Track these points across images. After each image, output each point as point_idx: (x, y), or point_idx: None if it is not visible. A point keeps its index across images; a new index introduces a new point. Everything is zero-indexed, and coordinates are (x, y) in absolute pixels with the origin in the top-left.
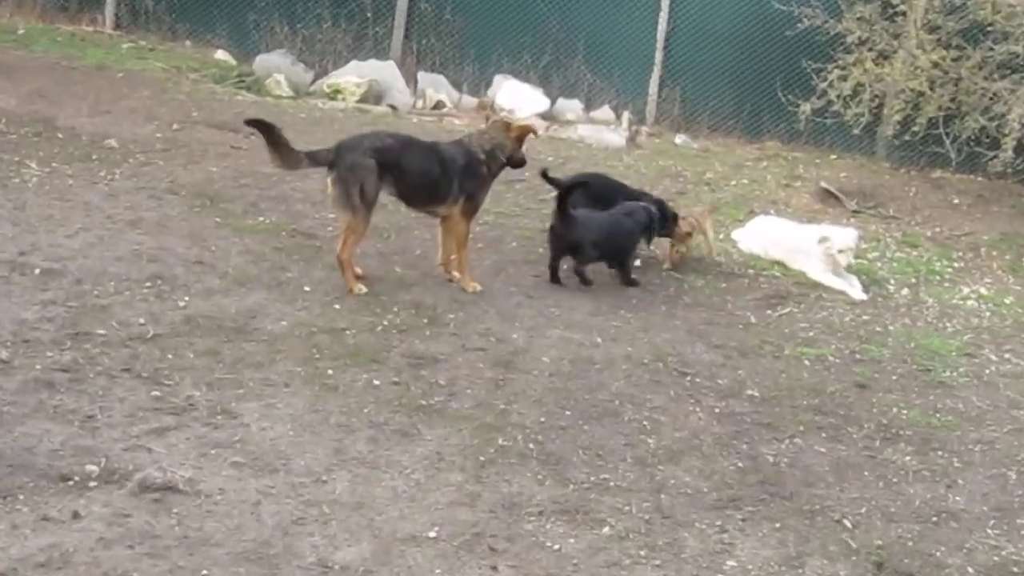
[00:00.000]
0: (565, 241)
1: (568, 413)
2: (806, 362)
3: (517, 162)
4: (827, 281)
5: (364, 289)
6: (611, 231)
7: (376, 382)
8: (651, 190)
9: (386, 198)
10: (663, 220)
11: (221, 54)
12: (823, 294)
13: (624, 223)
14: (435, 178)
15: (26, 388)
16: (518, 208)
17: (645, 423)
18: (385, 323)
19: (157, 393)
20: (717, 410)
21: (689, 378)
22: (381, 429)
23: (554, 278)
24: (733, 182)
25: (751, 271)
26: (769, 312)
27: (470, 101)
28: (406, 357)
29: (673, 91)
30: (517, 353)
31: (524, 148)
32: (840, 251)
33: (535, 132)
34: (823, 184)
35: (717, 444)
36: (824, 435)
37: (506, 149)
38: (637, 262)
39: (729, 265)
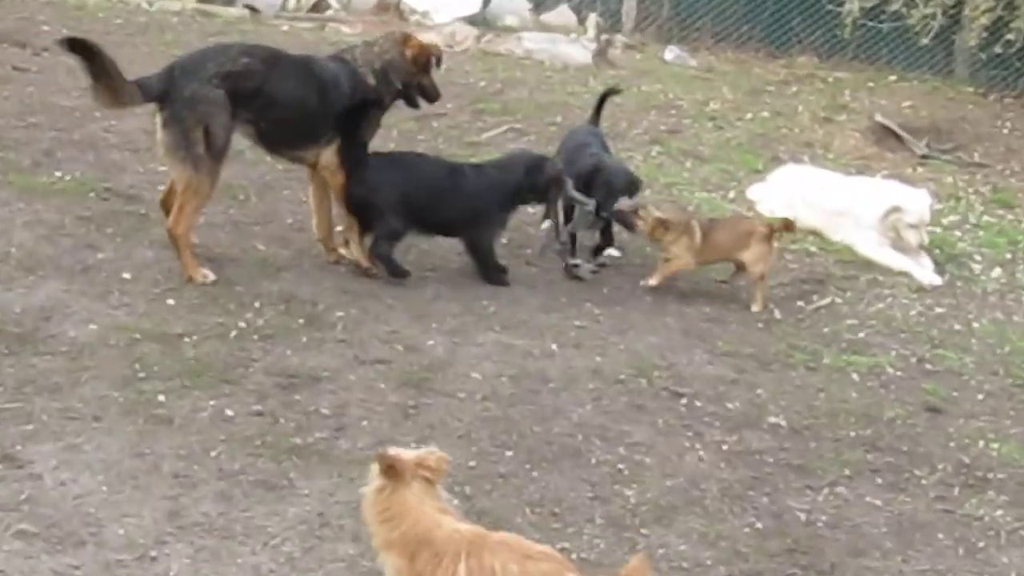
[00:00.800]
0: (354, 203)
1: (509, 454)
2: (854, 375)
3: (425, 94)
4: (885, 258)
5: (211, 276)
6: (436, 192)
7: (229, 412)
8: (628, 129)
9: (241, 142)
10: (608, 187)
11: None
12: (879, 277)
13: (470, 180)
14: (311, 111)
15: None
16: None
17: (622, 467)
18: (242, 325)
19: None
20: (726, 447)
21: (685, 401)
22: (236, 481)
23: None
24: (748, 115)
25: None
26: (801, 304)
27: (365, 0)
28: (273, 375)
29: None
30: (435, 367)
31: (439, 70)
32: (912, 226)
33: (437, 57)
34: (879, 118)
35: (726, 496)
36: (880, 481)
37: (401, 71)
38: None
39: None
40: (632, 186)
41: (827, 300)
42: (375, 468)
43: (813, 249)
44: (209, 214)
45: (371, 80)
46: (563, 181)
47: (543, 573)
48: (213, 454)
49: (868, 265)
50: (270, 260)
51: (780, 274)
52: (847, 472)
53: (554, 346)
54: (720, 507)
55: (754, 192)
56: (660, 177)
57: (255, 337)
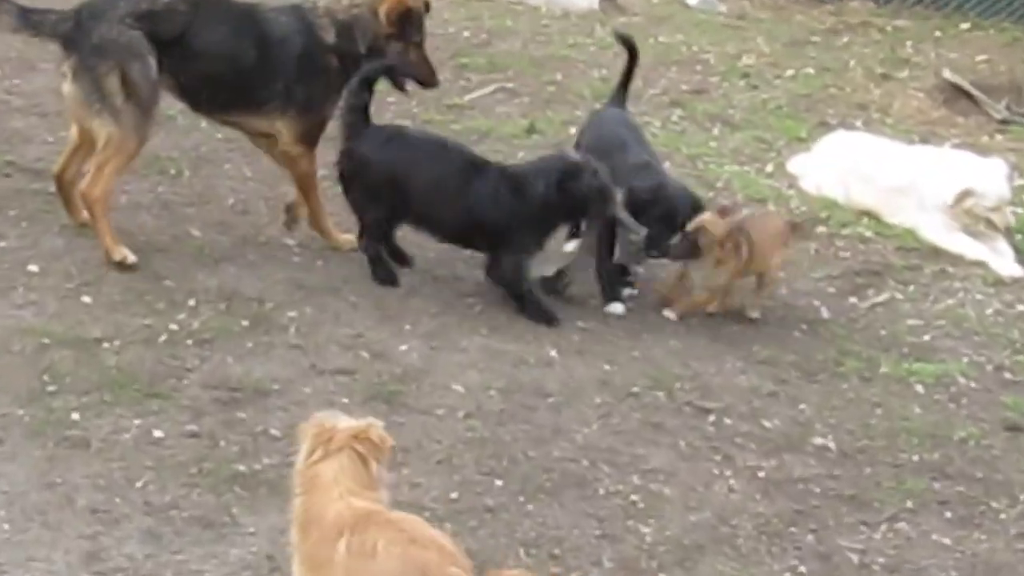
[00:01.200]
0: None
1: (499, 483)
2: (918, 387)
3: (413, 71)
4: (955, 245)
5: (132, 257)
6: (437, 187)
7: (157, 433)
8: (643, 88)
9: (174, 104)
10: (670, 216)
11: None
12: (948, 267)
13: (487, 181)
14: (247, 66)
15: None
16: (410, 123)
17: (635, 499)
18: (174, 328)
19: None
20: (762, 474)
21: (713, 418)
22: (167, 517)
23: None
24: (789, 72)
25: (823, 229)
26: (854, 300)
27: None
28: (211, 388)
29: None
30: (408, 378)
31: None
32: (993, 209)
33: (416, 14)
34: (947, 74)
35: (763, 533)
36: (949, 515)
37: (368, 31)
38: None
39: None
40: (696, 211)
41: (885, 296)
42: (301, 433)
43: (868, 234)
44: (133, 192)
45: (330, 37)
46: (608, 194)
47: (424, 561)
48: (138, 484)
49: (934, 253)
50: (207, 248)
51: (828, 265)
52: (909, 504)
53: (553, 352)
54: (756, 547)
55: (796, 165)
56: (682, 147)
57: (189, 342)
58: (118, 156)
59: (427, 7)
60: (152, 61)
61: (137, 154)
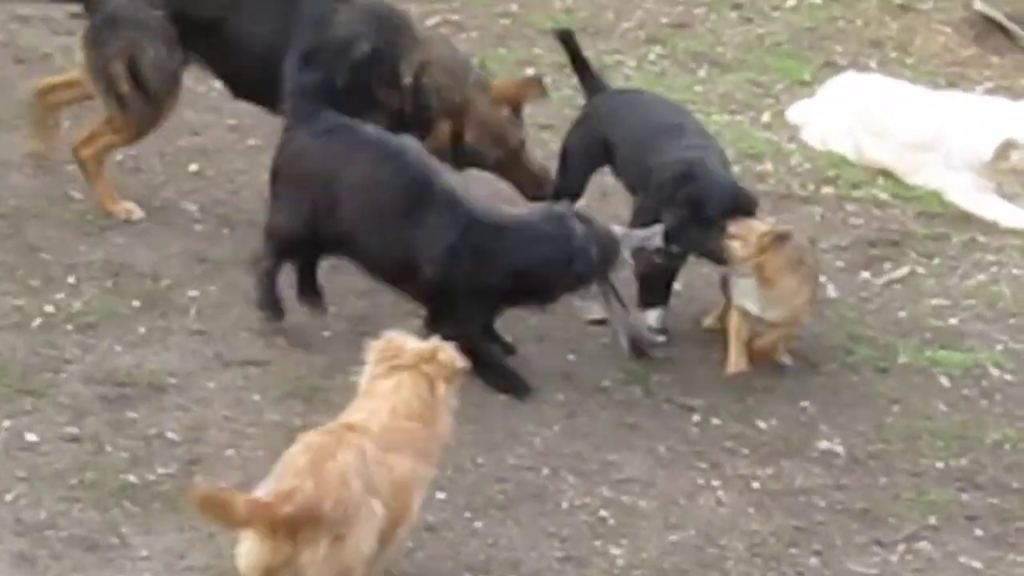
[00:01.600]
0: None
1: (442, 496)
2: (943, 380)
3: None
4: (988, 210)
5: (139, 212)
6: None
7: (30, 437)
8: (615, 22)
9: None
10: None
11: None
12: (978, 236)
13: (454, 210)
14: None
15: None
16: None
17: (605, 515)
18: (50, 310)
19: None
20: (756, 484)
21: (697, 418)
22: (42, 537)
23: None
24: (790, 3)
25: (829, 190)
26: (867, 276)
27: None
28: (95, 383)
29: None
30: (333, 371)
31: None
32: None
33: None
34: (979, 5)
35: (757, 555)
36: (979, 532)
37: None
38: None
39: (783, 180)
40: (742, 209)
41: (904, 270)
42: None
43: (883, 197)
44: (1, 146)
45: (406, 75)
46: (610, 257)
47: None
48: (8, 498)
49: (963, 220)
50: (90, 215)
51: (837, 234)
52: (932, 520)
53: (507, 337)
54: (748, 571)
55: (798, 113)
56: (662, 92)
57: (69, 327)
58: (116, 136)
59: (543, 90)
60: (175, 48)
61: (137, 140)
